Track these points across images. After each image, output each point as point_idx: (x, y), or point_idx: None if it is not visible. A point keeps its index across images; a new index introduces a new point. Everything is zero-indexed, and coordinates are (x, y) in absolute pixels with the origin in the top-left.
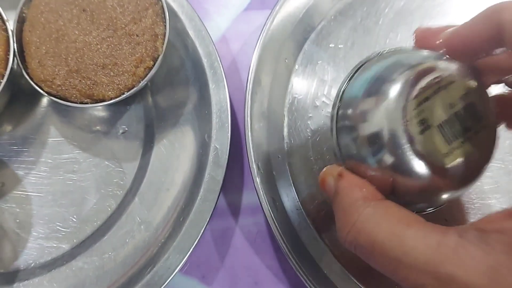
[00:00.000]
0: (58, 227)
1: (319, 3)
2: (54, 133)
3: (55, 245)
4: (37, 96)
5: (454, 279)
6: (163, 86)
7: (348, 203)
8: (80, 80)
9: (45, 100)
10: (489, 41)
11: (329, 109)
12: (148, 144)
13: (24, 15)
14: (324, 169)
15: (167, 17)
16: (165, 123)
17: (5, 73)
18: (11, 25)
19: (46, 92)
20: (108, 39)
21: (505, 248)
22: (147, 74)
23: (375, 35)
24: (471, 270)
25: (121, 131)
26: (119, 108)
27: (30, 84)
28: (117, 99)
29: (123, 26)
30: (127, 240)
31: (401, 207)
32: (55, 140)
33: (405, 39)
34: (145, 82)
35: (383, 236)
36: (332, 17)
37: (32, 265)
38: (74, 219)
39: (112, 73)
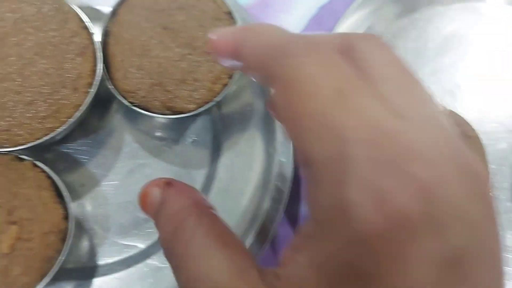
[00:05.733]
0: (134, 227)
1: (374, 26)
2: (128, 139)
3: (131, 244)
4: (113, 105)
5: None
6: (231, 100)
7: (175, 209)
8: (162, 93)
9: (120, 109)
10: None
11: None
12: (215, 153)
13: (108, 29)
14: (147, 183)
15: None
16: (231, 135)
17: (93, 82)
18: (97, 38)
19: (129, 102)
20: (188, 56)
21: None
22: (222, 90)
23: (424, 57)
24: None
25: (190, 140)
26: (188, 119)
27: (107, 92)
28: (195, 111)
29: (202, 45)
30: None
31: (225, 224)
32: (129, 145)
33: (453, 63)
34: (221, 97)
35: (196, 246)
36: (386, 40)
37: (110, 261)
38: (146, 218)
39: (191, 88)
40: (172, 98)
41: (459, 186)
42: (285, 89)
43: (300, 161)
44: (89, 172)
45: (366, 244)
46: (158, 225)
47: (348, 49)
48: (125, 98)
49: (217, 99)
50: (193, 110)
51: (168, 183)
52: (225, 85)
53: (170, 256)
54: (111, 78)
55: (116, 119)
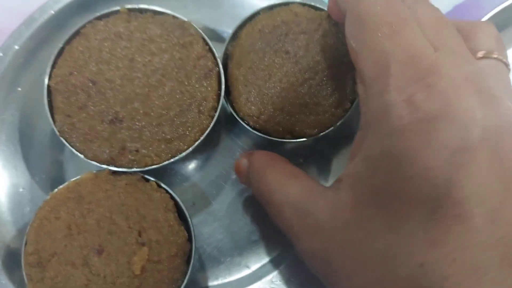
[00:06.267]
0: (244, 247)
1: None
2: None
3: (242, 265)
4: (225, 125)
5: (308, 214)
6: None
7: (258, 166)
8: (284, 118)
9: (234, 129)
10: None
11: None
12: (323, 176)
13: (228, 52)
14: (239, 157)
15: None
16: (338, 157)
17: (218, 106)
18: (220, 61)
19: (249, 126)
20: (310, 81)
21: (347, 188)
22: (343, 116)
23: None
24: (321, 208)
25: (296, 162)
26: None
27: (220, 113)
28: (315, 136)
29: (324, 70)
30: None
31: (293, 166)
32: None
33: None
34: (341, 122)
35: (276, 183)
36: None
37: (219, 282)
38: (257, 240)
39: (313, 113)
40: (295, 122)
41: (474, 98)
42: (354, 19)
43: (359, 79)
44: (199, 191)
45: (399, 134)
46: (250, 182)
47: None
48: (244, 121)
49: (338, 124)
50: (314, 135)
51: (251, 153)
52: (347, 110)
53: (261, 198)
54: (232, 101)
55: (227, 140)
